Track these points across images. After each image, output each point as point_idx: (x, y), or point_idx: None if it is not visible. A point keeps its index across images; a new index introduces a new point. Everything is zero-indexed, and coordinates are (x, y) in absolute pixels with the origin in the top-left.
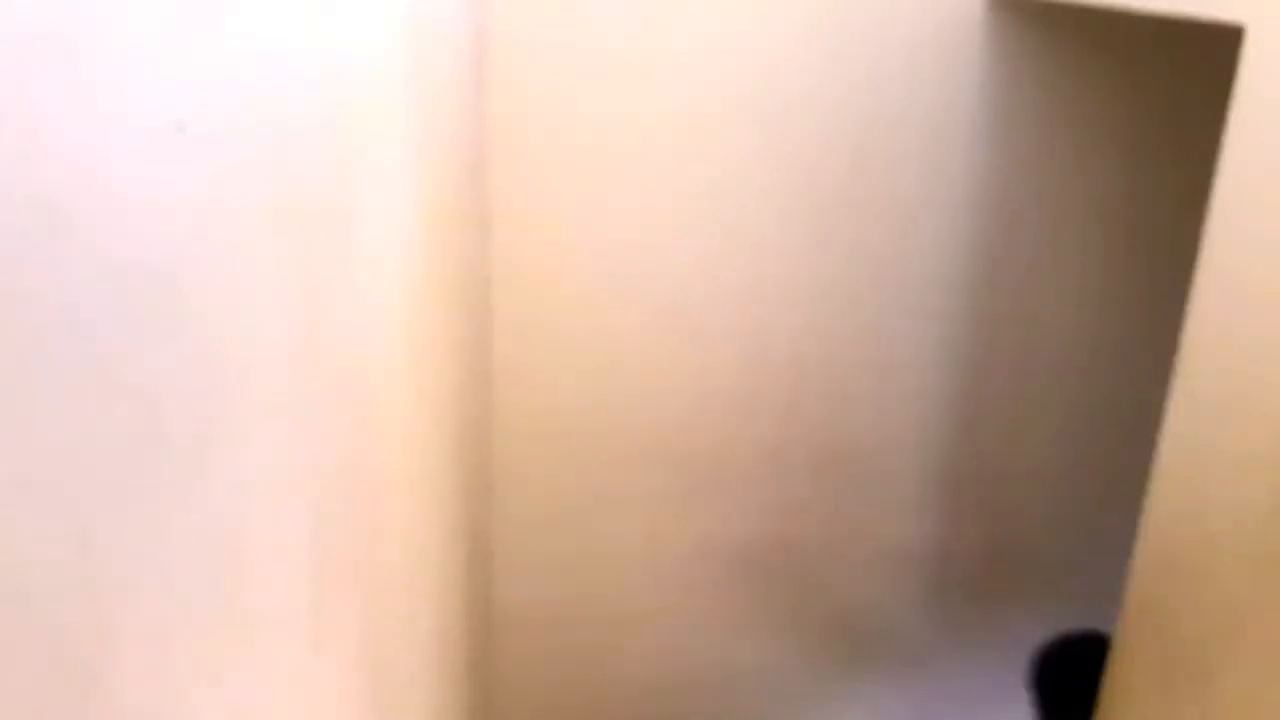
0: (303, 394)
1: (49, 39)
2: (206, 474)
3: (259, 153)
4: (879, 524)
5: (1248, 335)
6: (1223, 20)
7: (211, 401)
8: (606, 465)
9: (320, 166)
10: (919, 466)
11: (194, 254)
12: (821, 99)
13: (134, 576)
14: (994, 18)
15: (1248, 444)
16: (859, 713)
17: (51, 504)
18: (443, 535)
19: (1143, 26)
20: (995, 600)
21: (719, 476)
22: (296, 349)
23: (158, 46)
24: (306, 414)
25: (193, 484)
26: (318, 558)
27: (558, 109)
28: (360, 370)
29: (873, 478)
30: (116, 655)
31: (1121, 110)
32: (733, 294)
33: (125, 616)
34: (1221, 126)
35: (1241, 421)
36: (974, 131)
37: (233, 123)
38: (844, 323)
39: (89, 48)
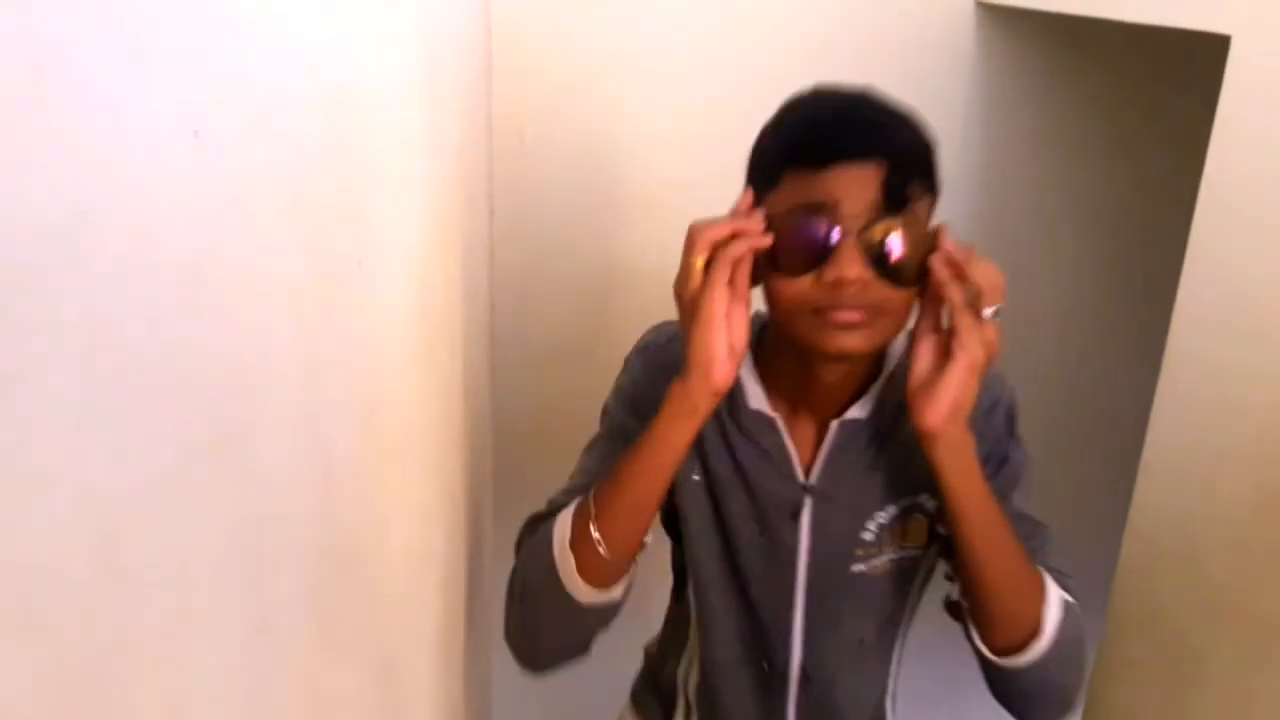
0: (315, 390)
1: (69, 47)
2: (222, 468)
3: (273, 156)
4: None
5: (1232, 333)
6: (1210, 30)
7: (228, 396)
8: None
9: (333, 169)
10: None
11: (211, 254)
12: None
13: (152, 570)
14: (985, 26)
15: (1231, 440)
16: None
17: (73, 499)
18: (448, 530)
19: (1130, 34)
20: None
21: None
22: (309, 347)
23: (173, 53)
24: (318, 410)
25: (210, 478)
26: (329, 552)
27: (559, 111)
28: (370, 367)
29: None
30: (134, 649)
31: (1109, 114)
32: None
33: (143, 611)
34: (1206, 130)
35: (1225, 418)
36: (965, 136)
37: (247, 127)
38: None
39: (107, 55)
